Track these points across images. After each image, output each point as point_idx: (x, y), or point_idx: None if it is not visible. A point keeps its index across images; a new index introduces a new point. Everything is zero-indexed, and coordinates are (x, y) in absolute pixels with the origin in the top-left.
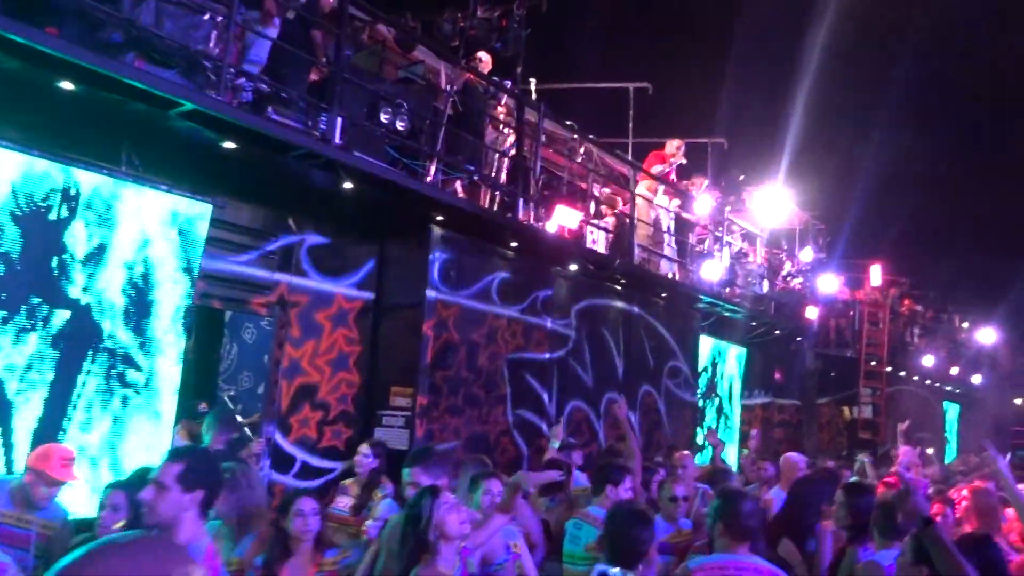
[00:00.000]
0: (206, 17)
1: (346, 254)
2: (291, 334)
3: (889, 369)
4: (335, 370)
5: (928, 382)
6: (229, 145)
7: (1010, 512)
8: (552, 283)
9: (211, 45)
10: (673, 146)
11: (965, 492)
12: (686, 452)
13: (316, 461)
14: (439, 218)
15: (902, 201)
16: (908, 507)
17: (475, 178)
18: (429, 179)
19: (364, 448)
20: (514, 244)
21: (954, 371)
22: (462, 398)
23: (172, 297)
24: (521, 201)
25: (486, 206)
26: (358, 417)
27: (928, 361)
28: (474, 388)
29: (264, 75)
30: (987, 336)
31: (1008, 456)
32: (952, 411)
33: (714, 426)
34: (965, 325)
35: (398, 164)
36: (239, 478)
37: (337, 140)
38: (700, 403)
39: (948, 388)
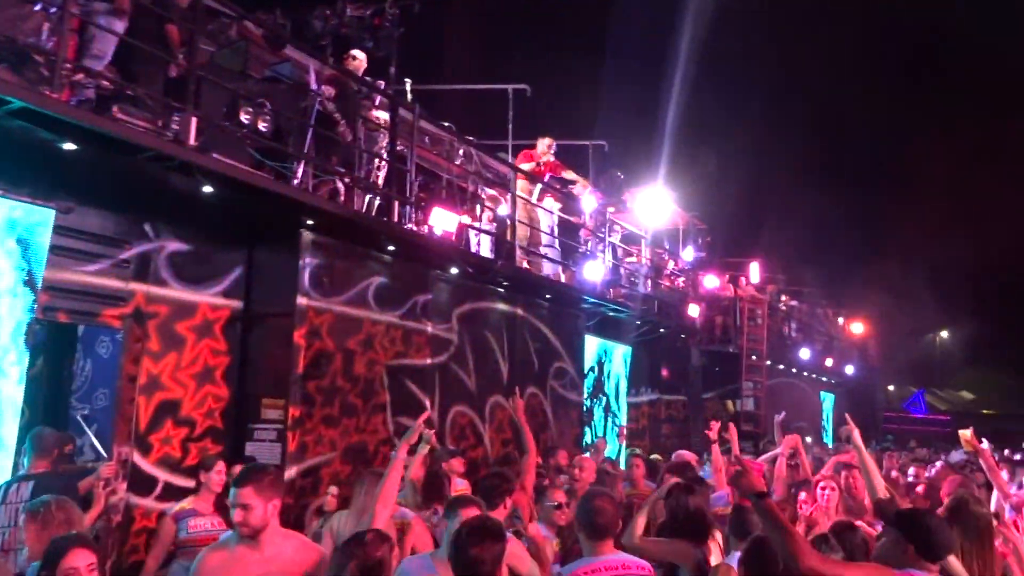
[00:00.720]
0: (37, 7)
1: (211, 261)
2: (149, 347)
3: (769, 363)
4: (200, 383)
5: (805, 374)
6: (69, 146)
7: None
8: (432, 287)
9: (43, 38)
10: (544, 144)
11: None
12: (585, 455)
13: (181, 481)
14: (309, 222)
15: (779, 200)
16: (743, 484)
17: (346, 180)
18: (297, 182)
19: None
20: (391, 248)
21: (829, 363)
22: (338, 408)
23: (12, 312)
24: (397, 204)
25: (364, 210)
26: (227, 432)
27: (805, 354)
28: (351, 397)
29: (112, 71)
30: (858, 328)
31: (877, 440)
32: (828, 401)
33: (600, 425)
34: (840, 320)
35: (264, 167)
36: (53, 512)
37: (192, 141)
38: (587, 403)
39: (824, 379)
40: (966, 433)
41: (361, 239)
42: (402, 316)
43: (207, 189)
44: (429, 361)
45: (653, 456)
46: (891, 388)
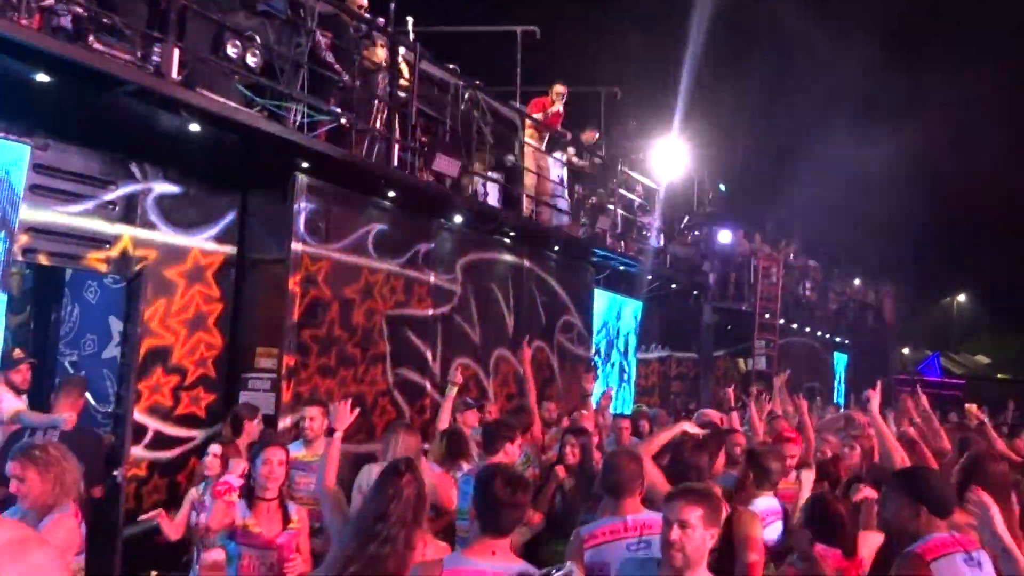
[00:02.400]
0: None
1: (203, 205)
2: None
3: (782, 321)
4: (192, 331)
5: (819, 334)
6: (42, 78)
7: None
8: (435, 236)
9: None
10: (555, 92)
11: None
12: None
13: (172, 430)
14: (304, 165)
15: (798, 155)
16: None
17: (342, 122)
18: (292, 123)
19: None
20: (392, 194)
21: (843, 323)
22: (335, 358)
23: None
24: (398, 149)
25: (364, 155)
26: (220, 381)
27: (819, 313)
28: (349, 347)
29: None
30: (874, 289)
31: (890, 403)
32: (841, 362)
33: (610, 382)
34: (856, 281)
35: (255, 106)
36: (50, 452)
37: (174, 75)
38: (595, 358)
39: (837, 339)
40: (972, 407)
41: (360, 184)
42: (403, 265)
43: (194, 128)
44: (431, 312)
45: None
46: (906, 351)
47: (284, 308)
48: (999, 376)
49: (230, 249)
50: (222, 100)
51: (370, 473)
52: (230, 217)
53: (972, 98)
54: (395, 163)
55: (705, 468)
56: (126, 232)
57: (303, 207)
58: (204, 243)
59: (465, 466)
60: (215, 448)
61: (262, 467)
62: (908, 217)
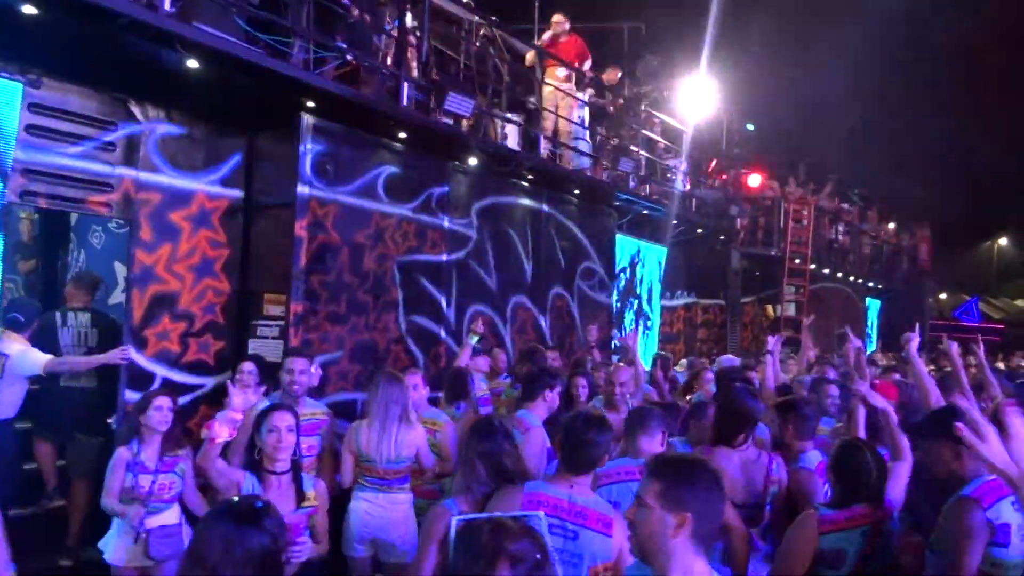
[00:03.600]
0: None
1: (207, 147)
2: (141, 237)
3: (813, 267)
4: (199, 276)
5: (852, 278)
6: (29, 9)
7: None
8: (449, 179)
9: None
10: (553, 23)
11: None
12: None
13: (180, 377)
14: (310, 104)
15: (830, 94)
16: None
17: (349, 58)
18: (296, 60)
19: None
20: (402, 135)
21: (876, 268)
22: (345, 304)
23: None
24: (407, 86)
25: (374, 94)
26: (229, 328)
27: (851, 258)
28: (360, 293)
29: None
30: (908, 232)
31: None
32: (874, 307)
33: (632, 328)
34: (891, 225)
35: (258, 43)
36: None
37: (167, 7)
38: (617, 305)
39: (871, 284)
40: None
41: (369, 125)
42: (416, 209)
43: (193, 64)
44: (445, 258)
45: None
46: (943, 296)
47: (292, 254)
48: None
49: (236, 193)
50: (221, 35)
51: (357, 433)
52: (236, 160)
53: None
54: (405, 103)
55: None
56: (128, 175)
57: (309, 148)
58: (209, 186)
59: (463, 405)
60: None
61: (269, 436)
62: (947, 158)
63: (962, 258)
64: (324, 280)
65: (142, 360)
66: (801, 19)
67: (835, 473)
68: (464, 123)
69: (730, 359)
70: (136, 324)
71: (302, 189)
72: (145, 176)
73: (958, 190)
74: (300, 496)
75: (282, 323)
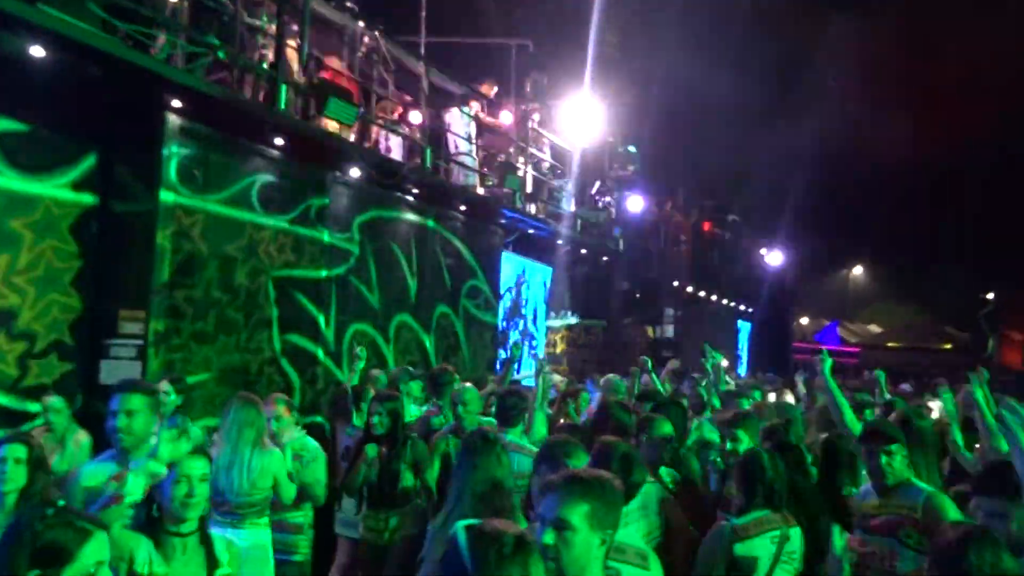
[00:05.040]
0: None
1: (57, 146)
2: None
3: (690, 289)
4: (43, 291)
5: (724, 302)
6: None
7: None
8: (330, 190)
9: None
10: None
11: None
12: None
13: (17, 404)
14: (175, 104)
15: (709, 124)
16: None
17: (219, 55)
18: (160, 54)
19: None
20: (279, 141)
21: (747, 292)
22: (214, 323)
23: None
24: (285, 89)
25: (251, 98)
26: (79, 348)
27: (725, 282)
28: (230, 310)
29: None
30: (775, 259)
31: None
32: (744, 329)
33: (518, 347)
34: (764, 251)
35: (116, 32)
36: None
37: None
38: (502, 325)
39: (742, 307)
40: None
41: (243, 129)
42: (293, 221)
43: (37, 52)
44: (325, 273)
45: None
46: (805, 321)
47: (153, 266)
48: (888, 344)
49: (90, 198)
50: (70, 20)
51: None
52: (89, 162)
53: (873, 69)
54: (284, 106)
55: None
56: None
57: (175, 152)
58: (58, 190)
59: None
60: None
61: (175, 488)
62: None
63: (821, 285)
64: (190, 296)
65: None
66: (685, 42)
67: (739, 481)
68: (347, 133)
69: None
70: None
71: (166, 195)
72: None
73: (819, 221)
74: (212, 563)
75: (140, 343)
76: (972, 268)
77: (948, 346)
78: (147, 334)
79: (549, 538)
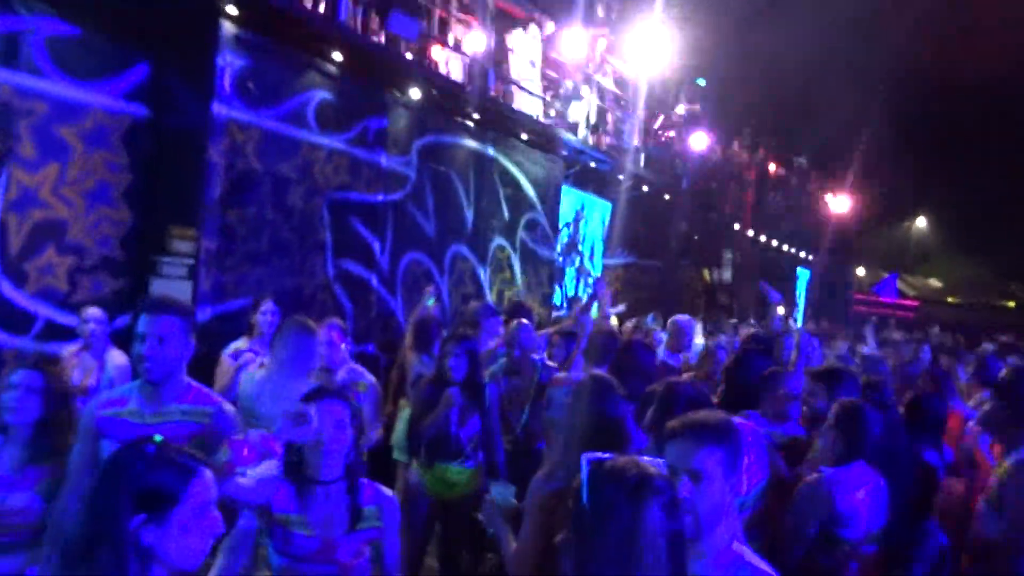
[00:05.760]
0: None
1: (107, 53)
2: (20, 152)
3: (751, 233)
4: (93, 204)
5: (784, 247)
6: None
7: None
8: (389, 111)
9: None
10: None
11: None
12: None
13: (67, 319)
14: (231, 11)
15: (776, 58)
16: None
17: None
18: None
19: None
20: (338, 57)
21: (808, 237)
22: (267, 243)
23: None
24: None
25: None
26: (128, 264)
27: (787, 226)
28: (284, 232)
29: None
30: (841, 205)
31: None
32: (803, 277)
33: (572, 285)
34: (828, 197)
35: None
36: None
37: None
38: (559, 260)
39: (802, 254)
40: None
41: (301, 42)
42: (350, 142)
43: None
44: (381, 198)
45: None
46: (861, 272)
47: (205, 183)
48: (948, 299)
49: (142, 109)
50: None
51: (254, 381)
52: (142, 71)
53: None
54: (344, 18)
55: None
56: (5, 79)
57: (229, 62)
58: (109, 99)
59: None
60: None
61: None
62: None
63: (882, 234)
64: (242, 215)
65: (20, 298)
66: None
67: (840, 432)
68: (407, 51)
69: (686, 319)
70: (13, 256)
71: (219, 109)
72: (28, 82)
73: (884, 168)
74: (355, 514)
75: (191, 261)
76: None
77: (1011, 304)
78: (198, 252)
79: (686, 490)
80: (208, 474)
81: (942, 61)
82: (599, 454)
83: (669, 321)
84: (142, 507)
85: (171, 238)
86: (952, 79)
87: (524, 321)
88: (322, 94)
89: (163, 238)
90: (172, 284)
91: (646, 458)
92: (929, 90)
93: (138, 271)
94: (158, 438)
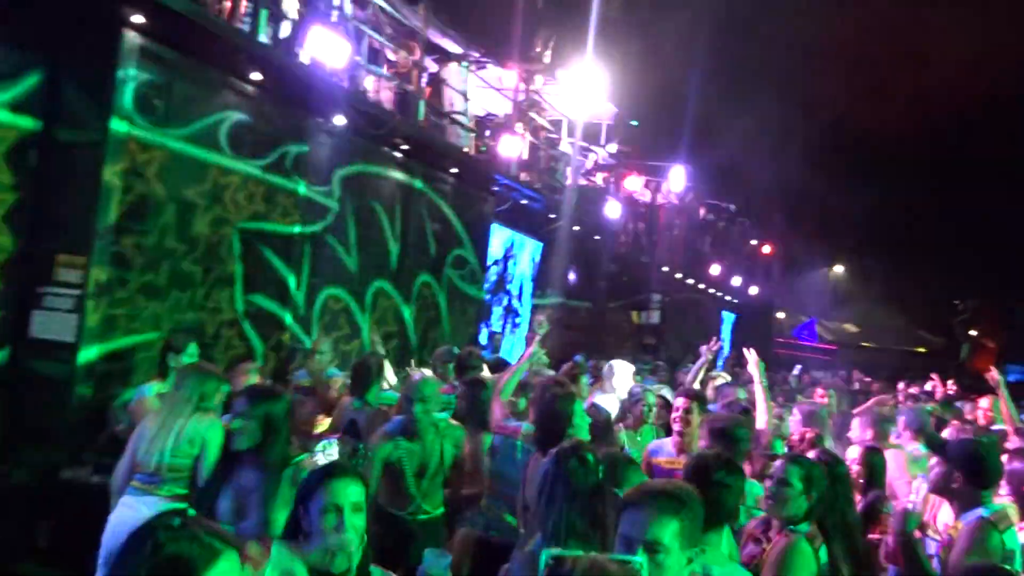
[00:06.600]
0: None
1: None
2: None
3: (680, 276)
4: None
5: (711, 291)
6: None
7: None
8: (310, 137)
9: None
10: None
11: None
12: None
13: None
14: (136, 19)
15: (709, 104)
16: None
17: None
18: None
19: None
20: (256, 77)
21: (735, 282)
22: (167, 276)
23: None
24: (266, 15)
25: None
26: (7, 295)
27: (715, 270)
28: (186, 263)
29: None
30: (766, 251)
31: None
32: (728, 320)
33: (501, 325)
34: (754, 242)
35: None
36: None
37: None
38: (487, 299)
39: (727, 298)
40: None
41: (215, 58)
42: (267, 168)
43: None
44: (299, 229)
45: None
46: (781, 315)
47: (98, 206)
48: (863, 343)
49: (30, 122)
50: None
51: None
52: (33, 80)
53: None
54: (264, 38)
55: None
56: None
57: (132, 76)
58: None
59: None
60: None
61: (323, 517)
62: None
63: (801, 281)
64: (140, 243)
65: None
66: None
67: (969, 470)
68: (333, 76)
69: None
70: None
71: (118, 125)
72: None
73: (805, 218)
74: None
75: (79, 293)
76: (947, 275)
77: (923, 349)
78: (87, 283)
79: (644, 562)
80: (236, 558)
81: (861, 115)
82: (558, 551)
83: (607, 365)
84: None
85: (57, 267)
86: (868, 133)
87: (426, 372)
88: (237, 115)
89: (49, 266)
90: (56, 317)
91: (608, 557)
92: (845, 142)
93: (19, 303)
94: (191, 511)
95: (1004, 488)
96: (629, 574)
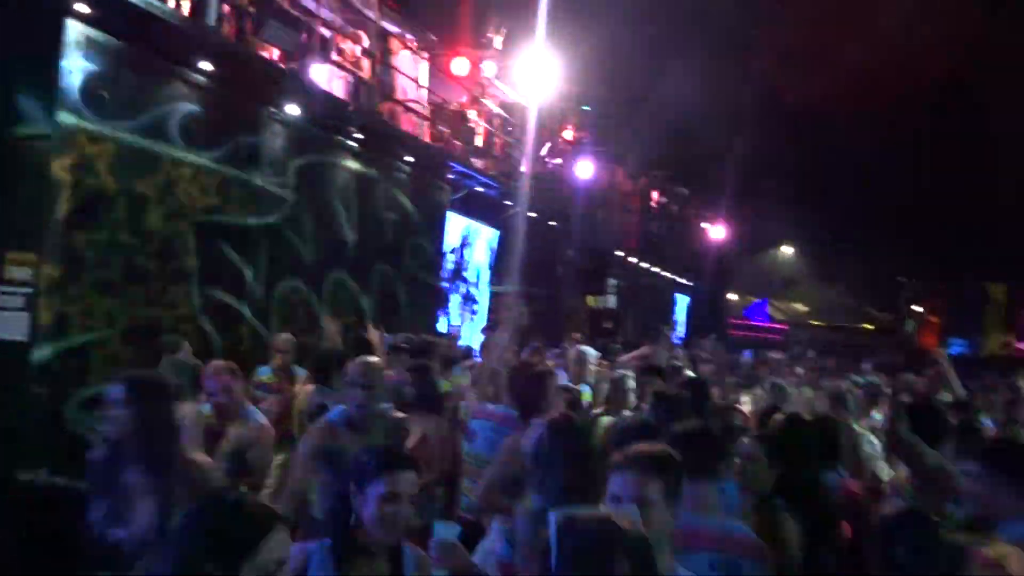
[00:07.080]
0: None
1: None
2: None
3: (634, 260)
4: None
5: (665, 274)
6: None
7: None
8: (263, 128)
9: None
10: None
11: None
12: None
13: None
14: (80, 8)
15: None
16: None
17: None
18: None
19: None
20: (206, 67)
21: (687, 265)
22: (121, 271)
23: None
24: (217, 4)
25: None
26: None
27: (668, 253)
28: (140, 258)
29: None
30: (718, 233)
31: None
32: (682, 302)
33: (460, 314)
34: (706, 225)
35: None
36: None
37: None
38: (444, 287)
39: (681, 281)
40: None
41: (164, 48)
42: (220, 159)
43: None
44: (254, 222)
45: None
46: (733, 297)
47: (48, 201)
48: (812, 322)
49: None
50: None
51: None
52: None
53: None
54: (214, 23)
55: None
56: None
57: (78, 67)
58: None
59: None
60: None
61: (381, 505)
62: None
63: (751, 262)
64: (92, 238)
65: None
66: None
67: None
68: (286, 65)
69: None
70: None
71: (66, 118)
72: None
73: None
74: None
75: (29, 290)
76: (892, 254)
77: (870, 326)
78: (38, 281)
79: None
80: (287, 533)
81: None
82: (567, 510)
83: (572, 350)
84: (213, 555)
85: (7, 264)
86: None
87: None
88: (188, 106)
89: None
90: (7, 317)
91: (613, 512)
92: (793, 123)
93: None
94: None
95: None
96: (632, 525)
